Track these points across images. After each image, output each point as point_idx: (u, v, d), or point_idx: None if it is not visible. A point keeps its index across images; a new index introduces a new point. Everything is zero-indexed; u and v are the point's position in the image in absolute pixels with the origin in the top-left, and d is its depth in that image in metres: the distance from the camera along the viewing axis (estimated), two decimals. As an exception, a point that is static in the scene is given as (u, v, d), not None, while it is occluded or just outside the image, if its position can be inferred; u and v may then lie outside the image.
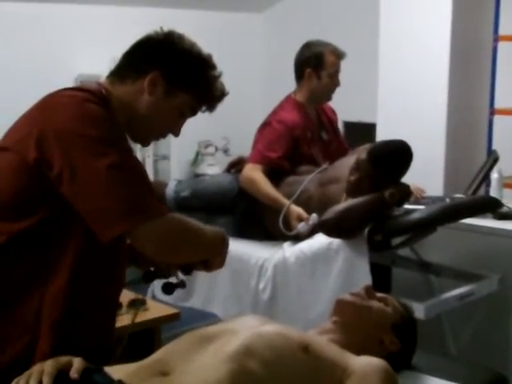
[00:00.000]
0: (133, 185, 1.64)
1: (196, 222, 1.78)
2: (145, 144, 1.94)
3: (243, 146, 3.98)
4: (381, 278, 3.07)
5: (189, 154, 5.78)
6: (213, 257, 1.86)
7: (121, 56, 1.88)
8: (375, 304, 2.00)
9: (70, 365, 1.50)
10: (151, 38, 1.85)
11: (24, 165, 1.65)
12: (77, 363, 1.51)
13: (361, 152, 3.17)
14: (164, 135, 1.92)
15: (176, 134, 1.92)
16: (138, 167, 1.73)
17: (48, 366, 1.48)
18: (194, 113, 1.90)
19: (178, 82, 1.82)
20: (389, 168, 3.05)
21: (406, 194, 3.12)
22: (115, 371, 1.59)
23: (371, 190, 3.01)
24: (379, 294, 2.05)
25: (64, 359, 1.52)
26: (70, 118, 1.65)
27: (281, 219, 3.28)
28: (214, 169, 5.55)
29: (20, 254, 1.68)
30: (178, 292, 3.32)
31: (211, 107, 1.91)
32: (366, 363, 1.74)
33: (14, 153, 1.68)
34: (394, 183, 3.03)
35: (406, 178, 3.18)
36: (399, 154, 3.07)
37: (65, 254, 1.68)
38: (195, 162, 5.83)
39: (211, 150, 5.78)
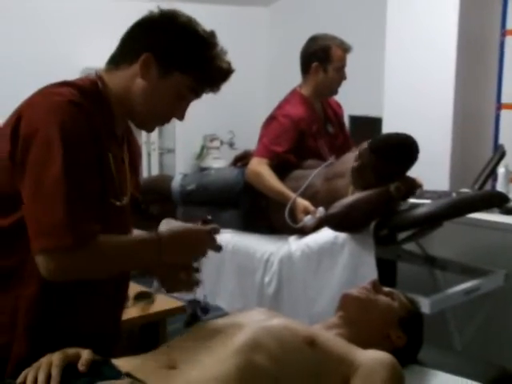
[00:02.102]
0: (67, 204, 1.56)
1: (123, 244, 1.70)
2: (148, 130, 1.90)
3: (248, 140, 3.98)
4: (386, 273, 3.07)
5: (194, 147, 5.79)
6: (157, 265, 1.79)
7: (119, 41, 1.82)
8: (382, 298, 1.99)
9: (77, 357, 1.51)
10: (145, 18, 1.79)
11: (2, 162, 1.63)
12: (85, 355, 1.51)
13: (360, 147, 3.18)
14: (167, 119, 1.84)
15: (179, 117, 1.83)
16: (83, 184, 1.61)
17: (56, 358, 1.48)
18: (195, 94, 1.80)
19: (172, 62, 1.73)
20: (389, 157, 3.04)
21: (412, 187, 3.12)
22: (122, 363, 1.60)
23: (374, 180, 3.02)
24: (386, 289, 2.05)
25: (72, 351, 1.52)
26: (38, 120, 1.61)
27: (287, 212, 3.28)
28: (219, 162, 5.55)
29: None
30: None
31: (213, 87, 1.82)
32: (372, 357, 1.74)
33: None
34: (397, 175, 3.03)
35: (412, 172, 3.17)
36: (400, 145, 3.07)
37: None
38: (200, 155, 5.83)
39: (216, 143, 5.79)
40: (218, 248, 1.84)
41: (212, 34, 1.79)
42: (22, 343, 1.64)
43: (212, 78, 1.79)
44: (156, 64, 1.72)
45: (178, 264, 1.83)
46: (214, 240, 1.82)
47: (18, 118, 1.64)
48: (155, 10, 1.77)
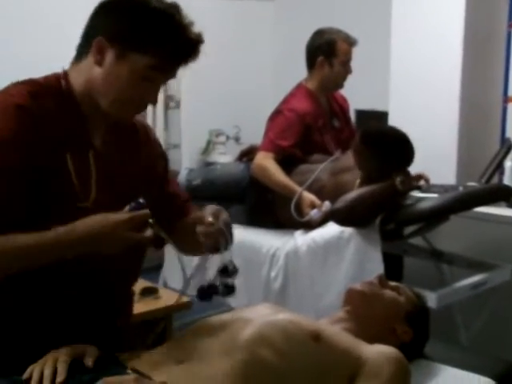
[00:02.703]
0: None
1: (26, 239, 1.55)
2: (126, 119, 1.76)
3: (254, 135, 3.97)
4: (393, 267, 3.06)
5: (200, 142, 5.78)
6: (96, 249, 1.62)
7: None
8: (388, 293, 1.99)
9: (83, 353, 1.51)
10: (100, 3, 1.66)
11: None
12: (91, 351, 1.51)
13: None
14: (138, 105, 1.71)
15: (151, 101, 1.70)
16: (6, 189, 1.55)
17: (62, 354, 1.48)
18: (162, 74, 1.67)
19: (126, 42, 1.60)
20: (378, 148, 3.04)
21: (416, 181, 3.14)
22: (128, 359, 1.60)
23: (374, 172, 3.02)
24: (392, 283, 2.04)
25: (78, 347, 1.52)
26: None
27: (293, 205, 3.27)
28: (225, 157, 5.54)
29: None
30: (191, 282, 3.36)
31: (180, 63, 1.66)
32: (378, 352, 1.73)
33: None
34: (392, 167, 3.01)
35: (419, 166, 3.16)
36: (389, 136, 3.07)
37: None
38: (206, 150, 5.83)
39: (222, 138, 5.78)
40: (152, 240, 1.67)
41: (171, 6, 1.64)
42: None
43: (176, 52, 1.64)
44: (110, 48, 1.61)
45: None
46: (139, 228, 1.62)
47: None
48: None
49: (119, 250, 1.61)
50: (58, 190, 1.62)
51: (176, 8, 1.63)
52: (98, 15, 1.66)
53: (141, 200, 1.66)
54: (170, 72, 1.68)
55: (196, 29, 1.64)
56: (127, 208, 1.66)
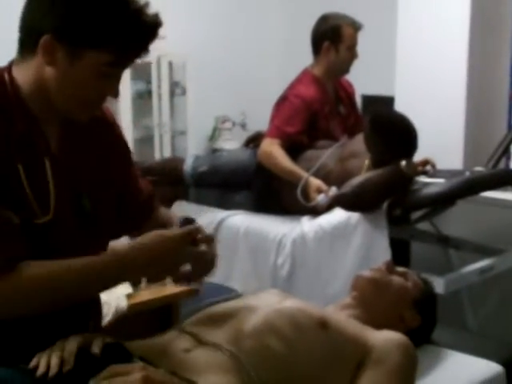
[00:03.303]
0: None
1: (58, 268, 1.46)
2: (83, 117, 1.56)
3: (260, 121, 3.97)
4: (400, 253, 3.05)
5: (206, 129, 5.78)
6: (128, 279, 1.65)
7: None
8: (395, 279, 1.98)
9: (90, 341, 1.51)
10: None
11: None
12: (97, 339, 1.51)
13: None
14: (97, 103, 1.56)
15: (112, 95, 1.54)
16: None
17: (69, 343, 1.47)
18: (121, 66, 1.50)
19: (79, 40, 1.42)
20: (386, 134, 3.04)
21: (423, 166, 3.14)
22: (135, 347, 1.60)
23: (383, 157, 3.02)
24: (399, 269, 2.04)
25: (85, 336, 1.52)
26: None
27: (299, 191, 3.27)
28: (231, 144, 5.54)
29: None
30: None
31: (139, 53, 1.49)
32: (386, 338, 1.73)
33: None
34: (397, 154, 3.00)
35: (426, 151, 3.16)
36: (397, 123, 3.07)
37: None
38: (212, 137, 5.83)
39: (228, 124, 5.77)
40: (209, 240, 1.61)
41: None
42: None
43: (134, 43, 1.46)
44: (61, 47, 1.42)
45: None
46: (193, 242, 1.56)
47: None
48: None
49: (181, 265, 1.55)
50: (9, 208, 1.43)
51: None
52: (37, 7, 1.45)
53: (187, 217, 1.66)
54: (128, 64, 1.51)
55: (152, 9, 1.45)
56: (178, 223, 1.65)
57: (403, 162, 2.93)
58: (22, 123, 1.49)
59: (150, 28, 1.45)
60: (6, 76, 1.49)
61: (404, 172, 2.93)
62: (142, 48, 1.48)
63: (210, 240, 1.62)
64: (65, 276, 1.46)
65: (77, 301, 1.52)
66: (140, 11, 1.43)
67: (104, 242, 1.67)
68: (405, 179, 2.96)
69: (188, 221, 1.67)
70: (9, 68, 1.51)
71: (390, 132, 3.04)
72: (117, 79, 1.51)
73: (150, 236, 1.52)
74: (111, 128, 1.74)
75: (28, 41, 1.46)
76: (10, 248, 1.42)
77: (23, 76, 1.49)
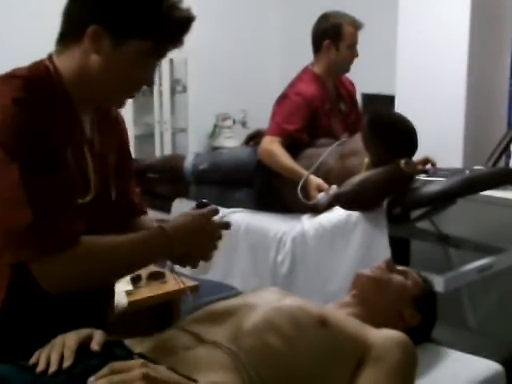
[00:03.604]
0: (35, 208, 1.47)
1: (115, 241, 1.60)
2: (118, 106, 1.73)
3: (261, 119, 3.97)
4: (399, 251, 3.06)
5: (206, 126, 5.78)
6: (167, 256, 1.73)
7: (61, 17, 1.62)
8: (395, 277, 1.99)
9: (90, 337, 1.51)
10: None
11: None
12: (97, 336, 1.51)
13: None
14: (134, 90, 1.69)
15: (148, 84, 1.67)
16: (49, 183, 1.51)
17: (69, 339, 1.48)
18: (159, 56, 1.64)
19: (122, 28, 1.55)
20: (385, 135, 3.04)
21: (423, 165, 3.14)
22: (135, 344, 1.60)
23: (382, 158, 3.02)
24: (399, 267, 2.04)
25: (85, 332, 1.52)
26: None
27: (299, 189, 3.27)
28: (231, 141, 5.55)
29: None
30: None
31: (176, 43, 1.63)
32: (385, 336, 1.73)
33: None
34: (396, 154, 3.00)
35: (425, 150, 3.16)
36: (396, 124, 3.06)
37: (4, 267, 1.55)
38: (213, 134, 5.83)
39: (229, 122, 5.78)
40: (226, 225, 1.79)
41: None
42: None
43: (171, 34, 1.60)
44: (107, 35, 1.55)
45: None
46: (214, 221, 1.74)
47: None
48: None
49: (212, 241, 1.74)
50: (60, 188, 1.55)
51: None
52: (82, 1, 1.59)
53: (204, 200, 1.78)
54: (165, 53, 1.65)
55: (184, 4, 1.60)
56: (194, 206, 1.77)
57: (403, 161, 2.92)
58: (65, 109, 1.60)
59: (184, 20, 1.59)
60: (50, 66, 1.60)
61: (404, 171, 2.93)
62: (178, 39, 1.61)
63: (226, 226, 1.80)
64: (121, 249, 1.60)
65: (126, 274, 1.73)
66: (175, 5, 1.57)
67: (115, 231, 1.71)
68: (405, 178, 2.96)
69: (204, 204, 1.77)
70: (50, 58, 1.62)
71: (389, 133, 3.03)
72: (152, 69, 1.65)
73: (180, 216, 1.70)
74: (123, 125, 1.88)
75: (74, 31, 1.58)
76: (75, 223, 1.53)
77: (66, 64, 1.60)
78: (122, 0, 1.56)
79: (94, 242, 1.57)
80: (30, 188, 1.48)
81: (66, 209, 1.54)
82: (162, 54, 1.64)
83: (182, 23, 1.60)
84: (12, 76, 1.57)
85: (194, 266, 1.80)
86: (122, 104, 1.72)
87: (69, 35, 1.60)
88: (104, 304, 1.85)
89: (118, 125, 1.86)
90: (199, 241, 1.73)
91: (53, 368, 1.41)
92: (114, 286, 1.90)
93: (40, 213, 1.48)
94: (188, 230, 1.69)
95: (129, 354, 1.52)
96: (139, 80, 1.65)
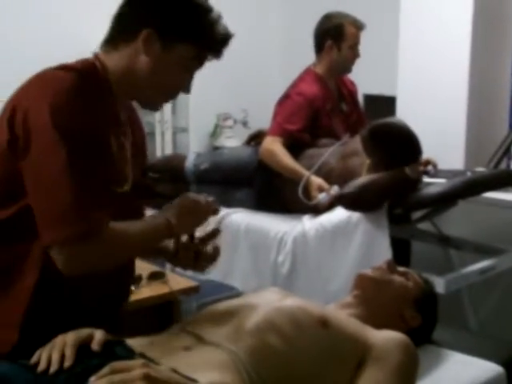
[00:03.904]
0: (76, 191, 1.53)
1: (135, 228, 1.69)
2: (155, 108, 1.86)
3: (262, 119, 3.97)
4: (400, 252, 3.05)
5: (207, 126, 5.78)
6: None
7: (111, 20, 1.76)
8: (396, 278, 1.98)
9: (91, 337, 1.51)
10: None
11: (1, 149, 1.60)
12: (98, 335, 1.51)
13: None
14: (174, 94, 1.82)
15: (186, 90, 1.81)
16: (91, 168, 1.59)
17: (70, 339, 1.48)
18: (200, 63, 1.77)
19: (173, 33, 1.70)
20: (387, 146, 3.03)
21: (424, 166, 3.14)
22: (136, 343, 1.60)
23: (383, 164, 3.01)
24: (400, 269, 2.04)
25: (85, 331, 1.52)
26: (37, 109, 1.57)
27: (301, 189, 3.27)
28: (232, 141, 5.54)
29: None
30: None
31: (216, 53, 1.77)
32: (386, 338, 1.73)
33: None
34: (400, 163, 3.00)
35: (427, 151, 3.15)
36: (397, 135, 3.05)
37: (37, 247, 1.61)
38: (214, 134, 5.83)
39: (230, 122, 5.78)
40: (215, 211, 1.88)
41: (205, 1, 1.76)
42: (13, 334, 1.61)
43: (214, 43, 1.75)
44: (158, 38, 1.69)
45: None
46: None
47: (13, 106, 1.61)
48: None
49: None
50: (104, 176, 1.65)
51: (207, 2, 1.76)
52: (139, 5, 1.73)
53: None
54: (203, 62, 1.78)
55: (224, 23, 1.76)
56: None
57: (408, 167, 2.92)
58: (109, 103, 1.72)
59: (225, 35, 1.75)
60: (97, 63, 1.72)
61: (409, 176, 2.93)
62: (218, 50, 1.76)
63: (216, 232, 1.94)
64: (135, 237, 1.68)
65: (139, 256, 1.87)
66: (218, 19, 1.74)
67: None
68: (409, 183, 2.96)
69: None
70: (97, 58, 1.73)
71: (392, 144, 3.01)
72: (191, 76, 1.79)
73: (180, 201, 1.81)
74: (140, 121, 1.99)
75: (126, 33, 1.71)
76: (107, 211, 1.60)
77: (114, 63, 1.72)
78: (173, 8, 1.70)
79: (117, 228, 1.63)
80: (73, 173, 1.54)
81: (102, 197, 1.61)
82: (202, 63, 1.77)
83: (223, 37, 1.74)
84: (65, 67, 1.67)
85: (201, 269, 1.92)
86: (158, 107, 1.86)
87: (120, 37, 1.73)
88: (127, 286, 1.98)
89: (138, 120, 1.96)
90: (195, 221, 1.84)
91: (54, 367, 1.41)
92: (134, 265, 1.97)
93: (78, 198, 1.54)
94: (186, 212, 1.79)
95: (129, 354, 1.51)
96: (179, 84, 1.78)
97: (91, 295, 1.74)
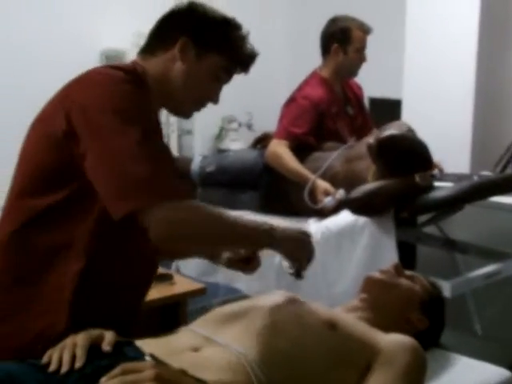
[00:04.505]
0: (153, 163, 1.59)
1: (223, 213, 1.69)
2: (186, 115, 1.94)
3: (266, 122, 3.97)
4: (405, 256, 3.05)
5: (212, 129, 5.79)
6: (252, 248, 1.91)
7: (148, 33, 1.88)
8: (404, 282, 1.99)
9: (101, 337, 1.51)
10: (174, 9, 1.87)
11: (54, 137, 1.64)
12: (108, 336, 1.51)
13: (376, 134, 3.16)
14: (203, 103, 1.90)
15: (214, 100, 1.89)
16: (163, 147, 1.72)
17: (80, 339, 1.48)
18: (229, 76, 1.88)
19: (208, 43, 1.82)
20: (396, 162, 3.03)
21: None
22: (145, 344, 1.60)
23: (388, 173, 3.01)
24: (407, 272, 2.04)
25: (96, 332, 1.53)
26: (98, 96, 1.63)
27: (306, 192, 3.27)
28: (237, 144, 5.55)
29: (45, 231, 1.66)
30: (203, 267, 3.36)
31: (245, 67, 1.89)
32: (394, 341, 1.73)
33: (47, 124, 1.68)
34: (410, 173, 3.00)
35: (432, 154, 3.15)
36: (407, 151, 3.04)
37: (85, 232, 1.66)
38: (219, 137, 5.83)
39: (235, 125, 5.78)
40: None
41: (235, 19, 1.88)
42: (63, 320, 1.64)
43: (244, 58, 1.87)
44: (193, 47, 1.80)
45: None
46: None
47: (68, 99, 1.67)
48: (181, 2, 1.86)
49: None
50: (169, 155, 1.79)
51: (237, 20, 1.89)
52: (178, 17, 1.85)
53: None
54: (232, 75, 1.89)
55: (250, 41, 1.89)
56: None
57: (418, 175, 2.92)
58: (150, 105, 1.77)
59: (252, 51, 1.88)
60: (138, 67, 1.81)
61: (419, 184, 2.93)
62: (246, 65, 1.88)
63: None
64: (226, 216, 1.69)
65: (220, 243, 1.80)
66: (246, 37, 1.87)
67: None
68: (418, 191, 2.96)
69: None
70: (135, 61, 1.84)
71: (400, 156, 3.01)
72: (221, 87, 1.88)
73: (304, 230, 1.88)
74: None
75: (165, 41, 1.82)
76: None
77: (152, 67, 1.82)
78: (209, 21, 1.83)
79: (204, 204, 1.68)
80: (148, 147, 1.60)
81: (175, 171, 1.74)
82: (230, 75, 1.88)
83: (250, 53, 1.87)
84: (113, 66, 1.75)
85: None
86: (189, 114, 1.93)
87: (159, 43, 1.84)
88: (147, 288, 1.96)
89: None
90: (295, 246, 1.85)
91: (65, 368, 1.42)
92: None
93: (158, 168, 1.59)
94: (289, 233, 1.82)
95: (139, 355, 1.52)
96: (209, 93, 1.87)
97: (120, 291, 1.77)
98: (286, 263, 1.91)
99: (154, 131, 1.69)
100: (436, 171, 3.30)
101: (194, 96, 1.86)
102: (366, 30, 3.59)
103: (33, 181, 1.69)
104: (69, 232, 1.66)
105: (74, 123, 1.61)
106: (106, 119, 1.60)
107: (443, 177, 3.34)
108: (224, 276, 3.39)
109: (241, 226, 1.71)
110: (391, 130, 3.13)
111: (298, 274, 1.89)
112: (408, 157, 3.01)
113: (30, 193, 1.68)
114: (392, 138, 3.04)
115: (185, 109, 1.90)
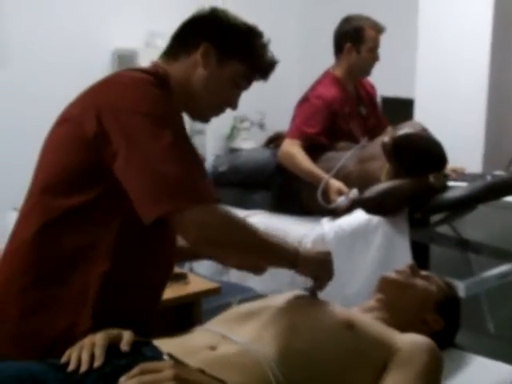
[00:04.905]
0: (186, 165, 1.61)
1: (257, 227, 1.72)
2: (205, 120, 1.94)
3: (278, 121, 3.97)
4: (419, 256, 3.05)
5: (224, 128, 5.79)
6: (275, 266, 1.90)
7: (170, 36, 1.90)
8: (419, 282, 1.98)
9: (119, 337, 1.52)
10: (197, 14, 1.88)
11: (83, 137, 1.64)
12: (127, 336, 1.52)
13: (391, 133, 3.15)
14: (222, 109, 1.92)
15: (234, 106, 1.92)
16: (193, 150, 1.71)
17: (99, 339, 1.49)
18: (248, 82, 1.90)
19: (229, 50, 1.84)
20: (412, 162, 3.02)
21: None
22: (161, 344, 1.60)
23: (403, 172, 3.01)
24: (423, 272, 2.04)
25: (114, 332, 1.54)
26: (130, 98, 1.65)
27: (319, 192, 3.26)
28: (249, 143, 5.55)
29: (69, 231, 1.67)
30: (215, 266, 3.37)
31: (264, 74, 1.91)
32: (412, 341, 1.73)
33: (75, 124, 1.68)
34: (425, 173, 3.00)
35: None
36: (422, 151, 3.04)
37: (110, 234, 1.67)
38: (230, 136, 5.83)
39: (247, 124, 5.78)
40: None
41: (256, 26, 1.91)
42: (86, 320, 1.65)
43: (264, 65, 1.89)
44: (215, 53, 1.82)
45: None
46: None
47: (96, 95, 1.71)
48: (204, 8, 1.89)
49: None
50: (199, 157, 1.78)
51: (258, 28, 1.91)
52: (201, 23, 1.87)
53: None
54: (251, 82, 1.92)
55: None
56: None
57: (432, 175, 2.92)
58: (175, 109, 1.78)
59: (272, 59, 1.90)
60: (160, 70, 1.83)
61: (433, 185, 2.93)
62: (265, 72, 1.90)
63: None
64: (253, 228, 1.70)
65: (247, 254, 1.76)
66: (267, 45, 1.90)
67: None
68: (432, 191, 2.95)
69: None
70: (157, 65, 1.86)
71: (415, 156, 3.00)
72: (239, 94, 1.91)
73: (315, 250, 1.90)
74: None
75: (187, 46, 1.85)
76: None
77: (174, 72, 1.84)
78: (231, 28, 1.86)
79: (234, 213, 1.69)
80: (180, 150, 1.63)
81: (206, 173, 1.74)
82: (250, 82, 1.91)
83: (270, 60, 1.90)
84: (139, 69, 1.79)
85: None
86: (208, 119, 1.94)
87: (182, 48, 1.86)
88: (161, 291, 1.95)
89: None
90: (318, 266, 1.88)
91: (84, 367, 1.42)
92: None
93: (191, 170, 1.62)
94: (312, 253, 1.87)
95: (157, 354, 1.52)
96: (228, 99, 1.90)
97: (142, 293, 1.79)
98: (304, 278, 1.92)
99: (183, 134, 1.70)
100: (450, 172, 3.30)
101: (214, 101, 1.88)
102: (379, 29, 3.59)
103: (58, 181, 1.69)
104: (93, 233, 1.67)
105: (105, 125, 1.62)
106: (139, 121, 1.61)
107: (457, 176, 3.34)
108: (236, 275, 3.40)
109: (270, 238, 1.74)
110: (405, 129, 3.13)
111: (314, 293, 1.90)
112: (423, 156, 3.01)
113: (53, 193, 1.68)
114: (408, 136, 3.04)
115: (204, 113, 1.92)
